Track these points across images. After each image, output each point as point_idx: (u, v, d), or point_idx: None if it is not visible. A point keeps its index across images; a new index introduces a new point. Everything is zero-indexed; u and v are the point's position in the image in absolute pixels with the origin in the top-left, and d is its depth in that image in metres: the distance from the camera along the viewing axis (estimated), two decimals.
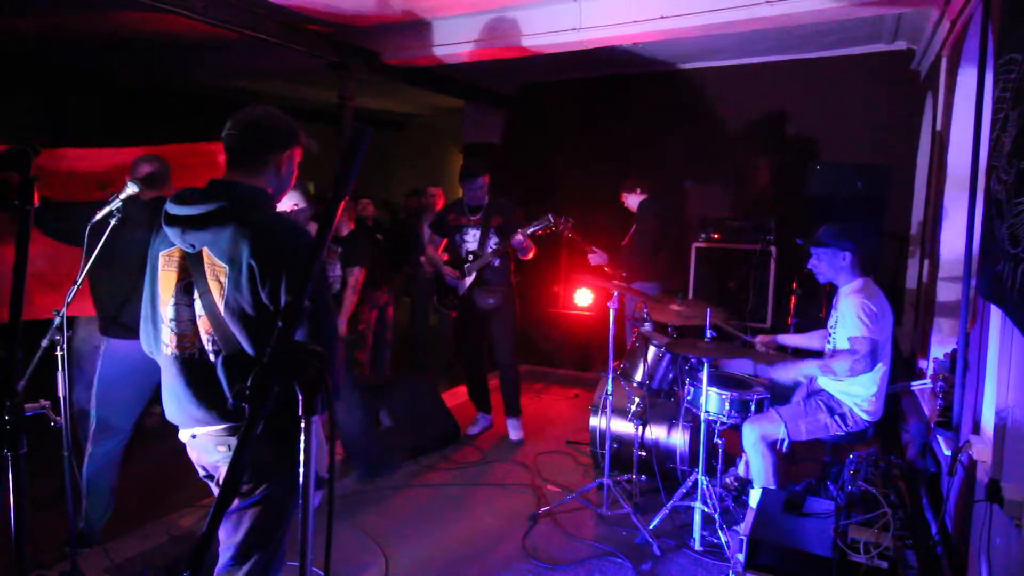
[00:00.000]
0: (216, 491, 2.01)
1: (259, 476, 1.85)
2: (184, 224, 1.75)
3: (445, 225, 4.52)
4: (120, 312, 2.98)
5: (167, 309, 1.84)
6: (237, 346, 1.76)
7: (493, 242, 4.36)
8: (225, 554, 1.92)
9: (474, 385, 4.87)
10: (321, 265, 1.91)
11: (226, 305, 1.74)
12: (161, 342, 1.88)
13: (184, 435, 1.93)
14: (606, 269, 5.26)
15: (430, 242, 4.63)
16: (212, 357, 1.79)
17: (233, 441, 1.84)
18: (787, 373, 3.26)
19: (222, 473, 1.93)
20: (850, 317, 3.08)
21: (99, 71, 6.91)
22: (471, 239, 4.41)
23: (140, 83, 7.54)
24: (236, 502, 1.85)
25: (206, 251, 1.77)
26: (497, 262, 4.37)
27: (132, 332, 2.94)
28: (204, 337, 1.80)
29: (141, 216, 2.95)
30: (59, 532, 2.90)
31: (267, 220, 1.80)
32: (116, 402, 3.03)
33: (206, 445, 1.88)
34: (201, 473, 2.01)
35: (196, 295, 1.79)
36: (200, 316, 1.80)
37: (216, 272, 1.76)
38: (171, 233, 1.79)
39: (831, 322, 3.32)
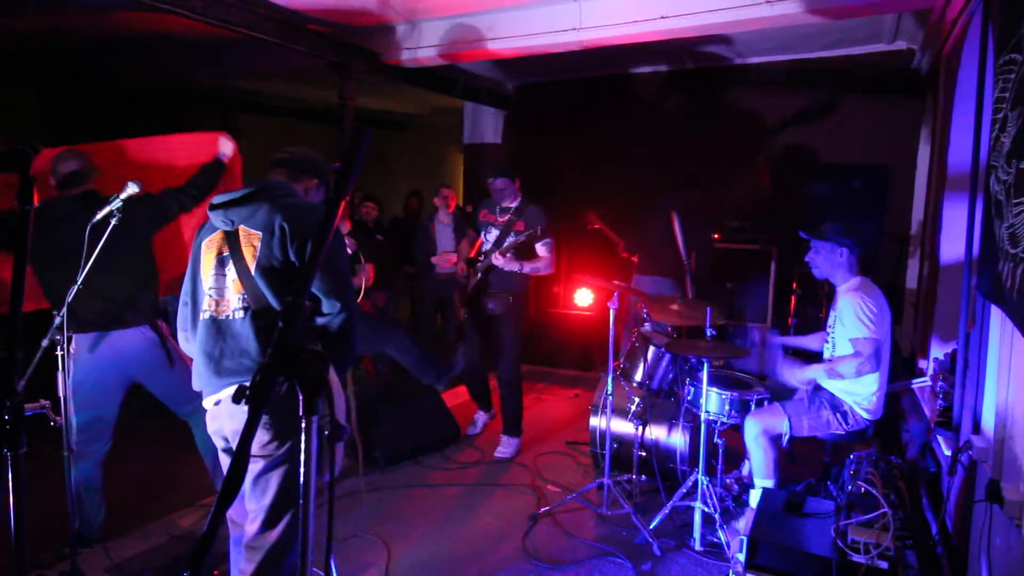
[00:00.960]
0: (226, 464, 2.13)
1: (282, 435, 1.99)
2: (226, 206, 2.05)
3: (477, 221, 4.54)
4: (75, 305, 2.85)
5: (207, 279, 2.12)
6: (265, 302, 2.02)
7: (505, 246, 4.25)
8: (254, 523, 2.00)
9: (474, 383, 4.86)
10: (338, 241, 2.15)
11: (257, 265, 2.02)
12: (200, 311, 2.13)
13: (208, 403, 2.11)
14: (634, 260, 5.30)
15: (466, 236, 4.69)
16: (243, 314, 2.04)
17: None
18: (792, 375, 3.26)
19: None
20: (849, 317, 3.08)
21: (99, 71, 6.90)
22: (492, 239, 4.36)
23: (140, 83, 7.53)
24: (262, 464, 2.00)
25: (242, 226, 2.06)
26: (507, 268, 4.27)
27: (89, 325, 2.94)
28: (236, 297, 2.06)
29: (69, 210, 2.93)
30: (59, 532, 2.90)
31: (297, 200, 2.16)
32: (94, 402, 3.01)
33: (232, 409, 2.04)
34: (221, 446, 2.15)
35: (231, 263, 2.07)
36: (233, 280, 2.06)
37: (250, 239, 2.05)
38: (214, 216, 2.09)
39: (830, 321, 3.33)
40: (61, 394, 2.56)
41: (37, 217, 2.66)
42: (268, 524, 1.97)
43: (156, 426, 3.60)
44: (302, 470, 1.18)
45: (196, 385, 2.14)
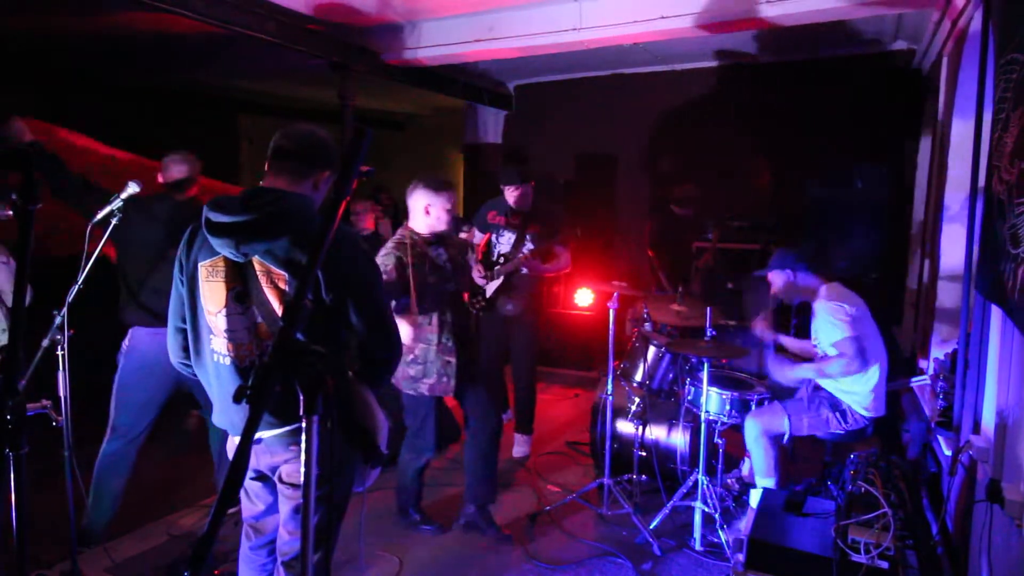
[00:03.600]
0: (252, 488, 2.04)
1: (336, 470, 1.90)
2: (236, 234, 1.72)
3: (483, 222, 4.42)
4: (141, 295, 3.04)
5: (218, 319, 1.85)
6: None
7: (527, 249, 4.19)
8: (292, 544, 1.93)
9: (491, 382, 4.86)
10: (364, 255, 1.91)
11: None
12: (212, 352, 1.89)
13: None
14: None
15: (470, 235, 4.62)
16: None
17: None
18: (783, 374, 3.28)
19: (285, 471, 1.93)
20: (824, 323, 3.13)
21: (99, 71, 6.91)
22: (505, 242, 4.29)
23: (140, 83, 7.54)
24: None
25: (257, 259, 1.79)
26: (525, 270, 4.23)
27: (155, 318, 2.97)
28: (262, 342, 1.84)
29: (169, 212, 3.03)
30: (59, 532, 2.90)
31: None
32: (128, 404, 3.07)
33: (274, 447, 1.90)
34: (251, 476, 2.01)
35: (250, 303, 1.82)
36: (257, 323, 1.83)
37: (274, 279, 1.79)
38: (218, 243, 1.76)
39: (813, 335, 3.34)
40: (62, 394, 2.56)
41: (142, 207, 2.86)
42: (315, 546, 1.93)
43: (156, 426, 3.59)
44: (302, 469, 1.18)
45: (222, 424, 1.99)
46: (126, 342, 3.10)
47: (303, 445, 1.17)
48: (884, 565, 2.25)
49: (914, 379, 3.80)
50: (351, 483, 1.99)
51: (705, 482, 3.21)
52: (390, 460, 4.14)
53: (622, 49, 5.33)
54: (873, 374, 3.16)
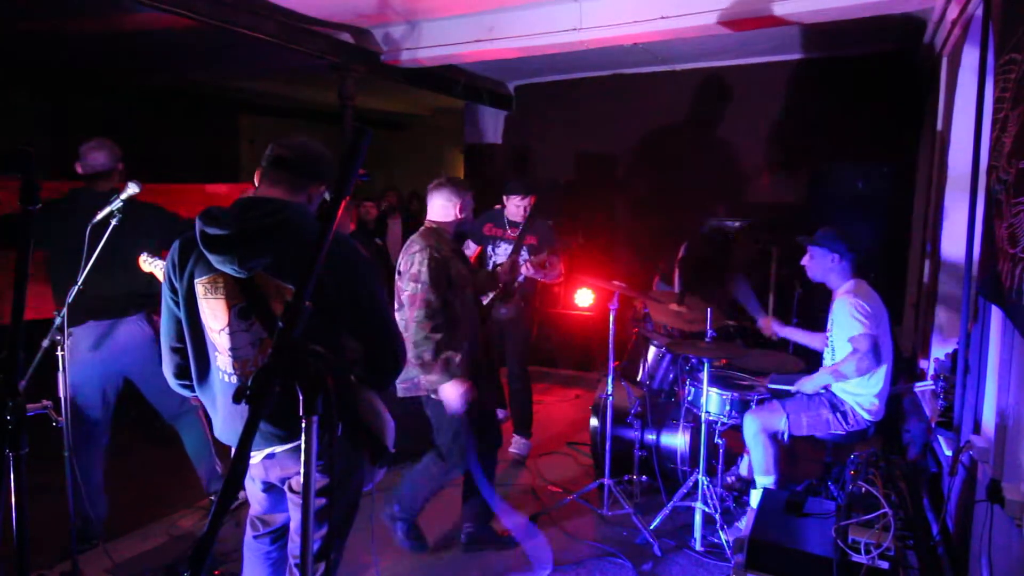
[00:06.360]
0: (258, 498, 2.02)
1: (344, 476, 1.89)
2: (236, 248, 1.65)
3: (480, 235, 4.50)
4: (80, 297, 2.87)
5: (221, 337, 1.81)
6: None
7: (522, 259, 4.27)
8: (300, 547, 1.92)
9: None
10: (366, 263, 1.88)
11: None
12: (218, 370, 1.85)
13: (256, 456, 1.87)
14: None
15: (464, 247, 4.66)
16: None
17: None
18: (807, 386, 3.27)
19: (295, 481, 1.91)
20: (844, 318, 3.10)
21: (99, 71, 6.91)
22: (502, 253, 4.37)
23: (141, 83, 7.54)
24: (320, 503, 1.83)
25: (262, 274, 1.73)
26: (521, 278, 4.31)
27: (86, 315, 2.92)
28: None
29: (93, 204, 2.82)
30: (59, 532, 2.90)
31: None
32: (81, 403, 3.00)
33: (286, 461, 1.87)
34: (259, 488, 1.98)
35: (255, 321, 1.77)
36: (263, 338, 1.79)
37: (282, 292, 1.75)
38: (217, 260, 1.69)
39: (828, 326, 3.33)
40: (62, 394, 2.56)
41: (57, 207, 2.68)
42: (321, 554, 1.89)
43: (156, 426, 3.60)
44: (302, 470, 1.18)
45: (227, 440, 1.93)
46: (67, 342, 2.94)
47: (303, 446, 1.17)
48: (884, 565, 2.25)
49: (918, 384, 3.80)
50: (359, 490, 1.98)
51: (705, 482, 3.21)
52: (392, 460, 4.14)
53: (622, 49, 5.33)
54: (880, 377, 3.15)
